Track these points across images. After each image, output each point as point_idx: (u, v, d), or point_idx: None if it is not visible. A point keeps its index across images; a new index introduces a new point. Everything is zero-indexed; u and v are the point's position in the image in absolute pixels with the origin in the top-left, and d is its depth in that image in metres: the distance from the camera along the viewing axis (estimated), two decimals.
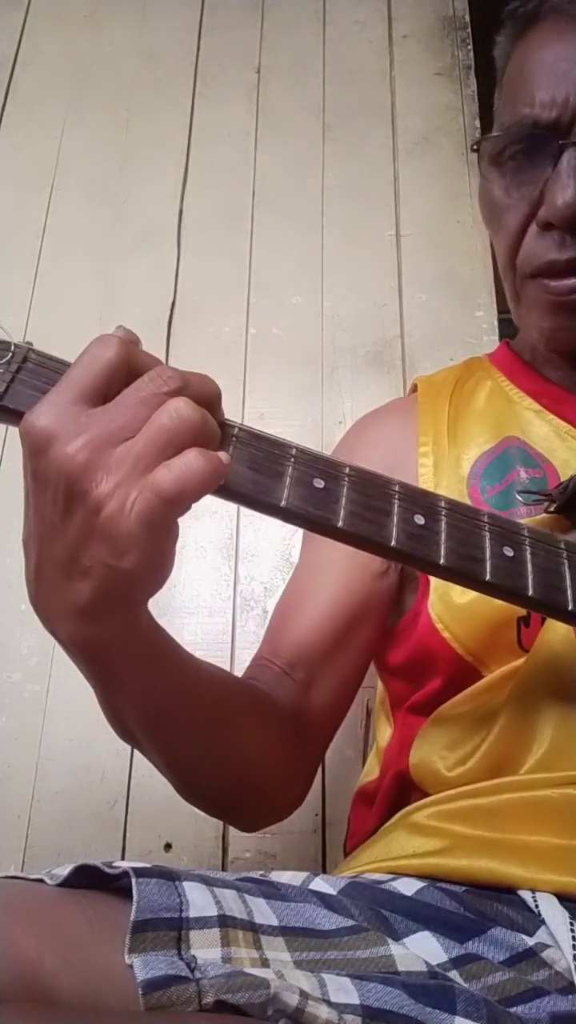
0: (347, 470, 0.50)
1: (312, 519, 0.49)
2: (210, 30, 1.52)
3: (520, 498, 0.68)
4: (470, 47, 1.46)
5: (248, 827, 0.74)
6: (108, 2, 1.55)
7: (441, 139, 1.41)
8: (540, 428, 0.73)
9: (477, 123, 1.41)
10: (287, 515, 0.49)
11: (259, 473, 0.48)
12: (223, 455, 0.45)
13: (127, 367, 0.46)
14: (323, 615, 0.72)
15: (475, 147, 0.73)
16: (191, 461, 0.44)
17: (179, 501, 0.44)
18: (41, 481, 0.45)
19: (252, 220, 1.37)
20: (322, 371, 1.25)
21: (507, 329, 0.92)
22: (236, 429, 0.49)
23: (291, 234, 1.35)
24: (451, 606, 0.66)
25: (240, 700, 0.64)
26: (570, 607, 0.52)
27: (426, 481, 0.73)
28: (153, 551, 0.45)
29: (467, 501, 0.70)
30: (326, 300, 1.30)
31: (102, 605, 0.47)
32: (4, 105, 1.47)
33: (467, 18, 1.49)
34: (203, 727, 0.60)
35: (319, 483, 0.49)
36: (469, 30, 1.48)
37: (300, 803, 0.72)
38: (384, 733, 0.76)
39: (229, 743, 0.62)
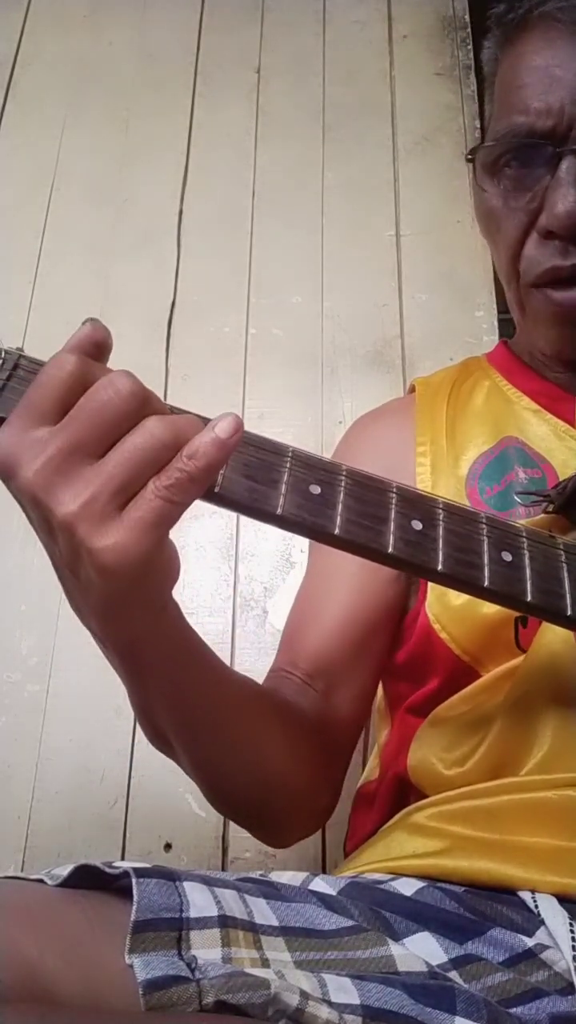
0: (344, 474, 0.49)
1: (308, 526, 0.48)
2: (210, 30, 1.52)
3: (519, 499, 0.68)
4: (470, 47, 1.46)
5: (281, 840, 0.73)
6: (108, 2, 1.55)
7: (441, 139, 1.41)
8: (538, 428, 0.73)
9: (477, 123, 1.41)
10: (283, 523, 0.48)
11: (254, 480, 0.47)
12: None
13: (83, 381, 0.45)
14: (339, 623, 0.71)
15: (469, 156, 0.72)
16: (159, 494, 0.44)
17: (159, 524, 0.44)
18: (21, 504, 0.46)
19: (252, 220, 1.37)
20: (322, 371, 1.25)
21: (507, 329, 0.92)
22: None
23: (291, 234, 1.35)
24: (448, 606, 0.66)
25: (267, 706, 0.64)
26: (569, 612, 0.51)
27: (424, 483, 0.73)
28: (138, 564, 0.44)
29: (465, 502, 0.70)
30: (326, 300, 1.30)
31: (113, 609, 0.48)
32: (4, 105, 1.47)
33: (467, 18, 1.49)
34: (232, 728, 0.60)
35: (315, 489, 0.48)
36: (469, 30, 1.48)
37: (330, 814, 0.71)
38: (382, 733, 0.76)
39: (259, 747, 0.62)
